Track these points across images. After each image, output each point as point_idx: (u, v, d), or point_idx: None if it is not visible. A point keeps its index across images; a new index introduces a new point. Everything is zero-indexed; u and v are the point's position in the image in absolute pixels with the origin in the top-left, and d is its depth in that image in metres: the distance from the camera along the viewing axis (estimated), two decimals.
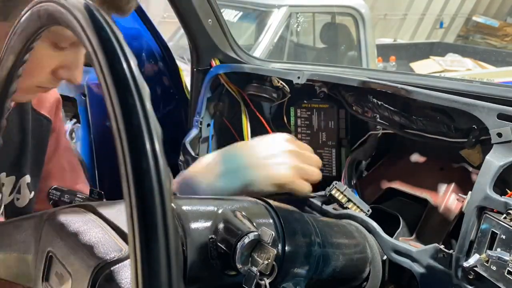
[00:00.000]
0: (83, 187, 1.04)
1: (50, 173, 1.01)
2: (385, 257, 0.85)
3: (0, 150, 0.83)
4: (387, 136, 1.05)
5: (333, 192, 0.93)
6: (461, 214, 0.83)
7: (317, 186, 1.00)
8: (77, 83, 0.77)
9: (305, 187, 0.88)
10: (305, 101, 1.13)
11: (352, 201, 0.92)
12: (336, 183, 0.94)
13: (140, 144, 0.31)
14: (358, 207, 0.92)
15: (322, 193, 0.95)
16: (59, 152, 1.03)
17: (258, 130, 1.19)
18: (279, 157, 0.86)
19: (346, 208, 0.92)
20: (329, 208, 0.96)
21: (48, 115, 0.97)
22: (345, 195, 0.93)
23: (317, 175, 0.90)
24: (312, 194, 0.95)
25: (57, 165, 1.02)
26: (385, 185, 1.03)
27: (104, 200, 0.75)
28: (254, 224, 0.60)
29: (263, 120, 1.18)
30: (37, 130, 0.95)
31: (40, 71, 0.73)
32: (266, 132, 1.19)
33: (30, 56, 0.70)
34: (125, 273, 0.46)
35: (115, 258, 0.47)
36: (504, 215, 0.72)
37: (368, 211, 0.92)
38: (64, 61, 0.73)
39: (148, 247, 0.30)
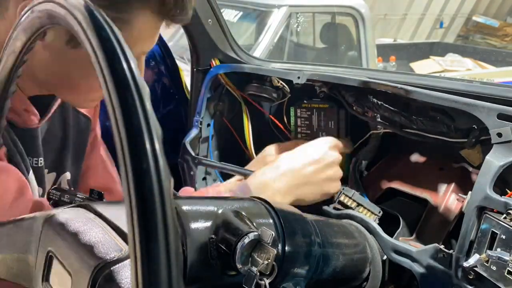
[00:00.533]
0: (114, 186, 1.06)
1: (86, 170, 1.03)
2: (385, 257, 0.85)
3: (44, 147, 0.85)
4: (387, 136, 1.05)
5: (341, 198, 0.93)
6: (461, 214, 0.83)
7: None
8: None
9: None
10: (305, 101, 1.13)
11: (362, 205, 0.92)
12: (343, 189, 0.94)
13: (140, 144, 0.31)
14: (368, 210, 0.92)
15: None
16: (96, 150, 1.05)
17: (258, 130, 1.19)
18: (327, 171, 0.94)
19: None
20: (329, 208, 0.96)
21: (88, 114, 1.00)
22: (354, 200, 0.93)
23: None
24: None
25: (93, 163, 1.05)
26: (385, 185, 1.03)
27: (104, 200, 0.75)
28: (254, 224, 0.60)
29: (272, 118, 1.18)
30: (78, 129, 0.97)
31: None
32: (267, 132, 1.19)
33: (90, 68, 0.74)
34: (125, 273, 0.46)
35: (115, 258, 0.47)
36: (504, 215, 0.72)
37: (379, 213, 0.92)
38: None
39: (148, 247, 0.30)
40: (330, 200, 0.96)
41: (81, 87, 0.78)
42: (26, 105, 0.79)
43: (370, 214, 0.92)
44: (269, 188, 0.90)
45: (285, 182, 0.91)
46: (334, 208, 0.95)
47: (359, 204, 0.93)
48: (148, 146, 0.31)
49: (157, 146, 0.31)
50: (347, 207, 0.93)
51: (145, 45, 0.77)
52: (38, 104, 0.81)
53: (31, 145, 0.82)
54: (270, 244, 0.56)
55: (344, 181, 1.07)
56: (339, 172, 0.96)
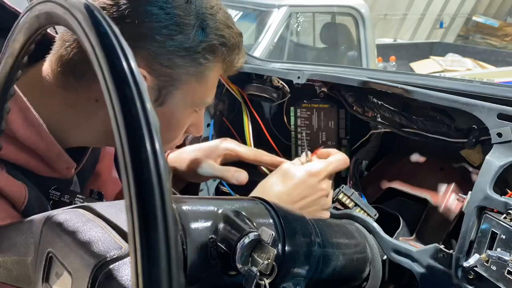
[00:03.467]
0: None
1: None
2: (385, 257, 0.85)
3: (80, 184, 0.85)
4: (387, 136, 1.05)
5: (340, 196, 0.93)
6: (461, 214, 0.83)
7: None
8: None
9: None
10: (305, 101, 1.13)
11: (359, 206, 0.92)
12: (343, 187, 0.94)
13: (139, 138, 0.31)
14: (365, 211, 0.92)
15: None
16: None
17: (258, 130, 1.19)
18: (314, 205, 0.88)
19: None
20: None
21: None
22: (352, 200, 0.92)
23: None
24: None
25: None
26: (385, 185, 1.03)
27: (104, 200, 0.75)
28: (254, 224, 0.60)
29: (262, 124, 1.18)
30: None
31: (180, 133, 0.83)
32: (267, 132, 1.19)
33: (172, 123, 0.78)
34: (125, 270, 0.46)
35: (115, 256, 0.47)
36: (504, 215, 0.72)
37: (375, 215, 0.92)
38: (194, 120, 0.83)
39: (148, 237, 0.30)
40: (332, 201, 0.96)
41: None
42: (69, 163, 0.76)
43: (366, 215, 0.92)
44: None
45: None
46: (334, 208, 0.95)
47: (356, 204, 0.93)
48: (147, 140, 0.31)
49: (156, 140, 0.32)
50: (345, 206, 0.93)
51: (211, 96, 0.82)
52: (74, 154, 0.78)
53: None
54: (270, 244, 0.56)
55: (344, 181, 1.07)
56: (329, 198, 0.90)
